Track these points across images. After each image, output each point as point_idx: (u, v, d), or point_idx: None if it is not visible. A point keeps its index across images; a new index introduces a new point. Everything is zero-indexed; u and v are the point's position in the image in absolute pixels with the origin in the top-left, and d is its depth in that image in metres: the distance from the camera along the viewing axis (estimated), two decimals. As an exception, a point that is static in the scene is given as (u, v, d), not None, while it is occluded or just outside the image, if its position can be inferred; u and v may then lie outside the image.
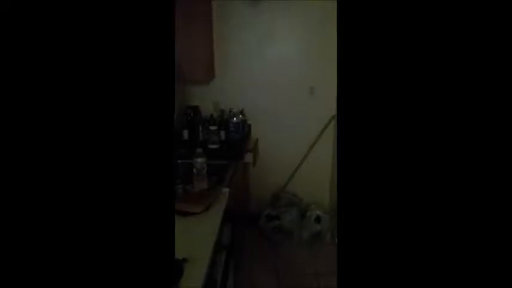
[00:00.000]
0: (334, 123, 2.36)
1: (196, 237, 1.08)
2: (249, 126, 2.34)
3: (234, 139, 2.14)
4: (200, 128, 2.11)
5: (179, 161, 1.71)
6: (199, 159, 1.42)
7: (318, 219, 2.31)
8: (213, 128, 2.06)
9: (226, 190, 1.42)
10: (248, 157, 2.09)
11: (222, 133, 2.11)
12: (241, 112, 2.24)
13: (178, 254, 0.93)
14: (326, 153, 2.43)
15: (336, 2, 0.72)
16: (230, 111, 2.22)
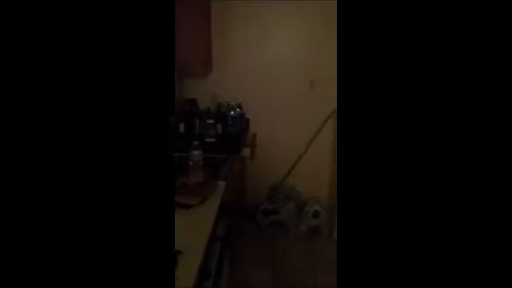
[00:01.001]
0: (334, 117, 2.35)
1: (191, 229, 1.07)
2: (247, 120, 2.32)
3: (232, 133, 2.13)
4: (197, 121, 2.09)
5: (175, 154, 1.69)
6: (196, 152, 1.41)
7: (316, 214, 2.30)
8: (210, 121, 2.04)
9: (222, 183, 1.41)
10: (246, 151, 2.07)
11: (219, 126, 2.10)
12: (239, 106, 2.22)
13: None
14: (325, 148, 2.42)
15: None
16: (228, 105, 2.20)
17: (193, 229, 1.07)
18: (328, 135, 2.39)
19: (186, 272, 0.86)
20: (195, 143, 1.43)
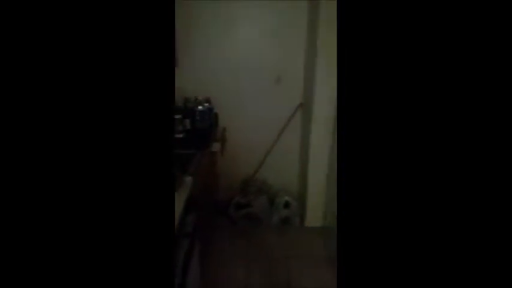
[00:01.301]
0: (300, 111, 2.39)
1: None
2: (216, 114, 2.30)
3: (201, 128, 2.10)
4: (164, 117, 2.04)
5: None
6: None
7: (286, 205, 2.35)
8: (177, 116, 2.00)
9: (189, 178, 1.40)
10: (216, 146, 2.06)
11: (187, 122, 2.07)
12: (208, 100, 2.20)
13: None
14: (293, 140, 2.47)
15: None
16: (196, 99, 2.17)
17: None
18: (296, 128, 2.44)
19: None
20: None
